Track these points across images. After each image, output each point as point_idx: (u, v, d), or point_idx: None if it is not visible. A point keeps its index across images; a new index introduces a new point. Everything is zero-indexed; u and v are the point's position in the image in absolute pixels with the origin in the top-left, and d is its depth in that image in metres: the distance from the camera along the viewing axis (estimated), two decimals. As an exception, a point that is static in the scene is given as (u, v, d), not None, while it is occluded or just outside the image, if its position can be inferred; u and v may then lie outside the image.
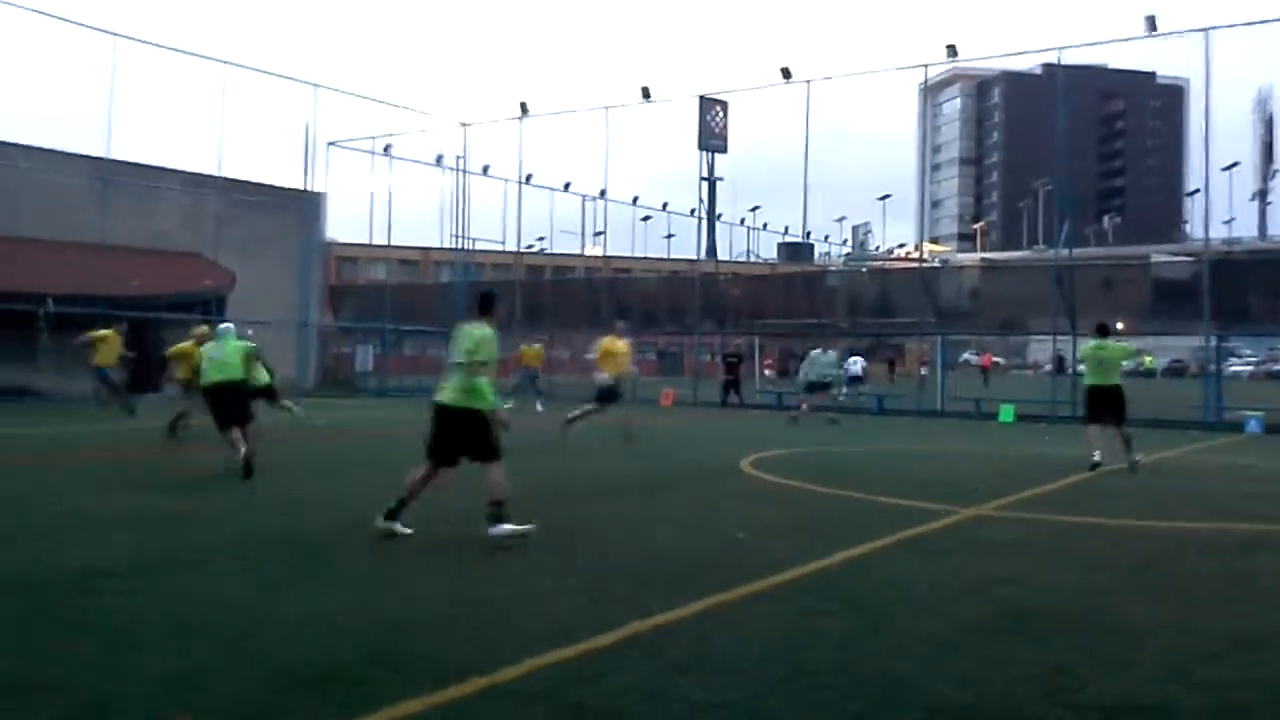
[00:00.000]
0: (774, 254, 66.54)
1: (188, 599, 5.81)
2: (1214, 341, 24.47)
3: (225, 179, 30.62)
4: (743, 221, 60.32)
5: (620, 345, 16.59)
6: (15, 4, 24.53)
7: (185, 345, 15.40)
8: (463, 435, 7.59)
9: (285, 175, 33.73)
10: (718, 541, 7.89)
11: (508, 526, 7.39)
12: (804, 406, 22.11)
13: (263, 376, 13.10)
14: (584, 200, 40.62)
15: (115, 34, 26.50)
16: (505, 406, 8.62)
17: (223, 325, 12.75)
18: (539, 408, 24.28)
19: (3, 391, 24.27)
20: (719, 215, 57.37)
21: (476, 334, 7.68)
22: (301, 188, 33.36)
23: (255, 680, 4.38)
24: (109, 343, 19.46)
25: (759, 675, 4.56)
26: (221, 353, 11.64)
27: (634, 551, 7.50)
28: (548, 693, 4.27)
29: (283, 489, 10.67)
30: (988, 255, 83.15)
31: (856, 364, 27.56)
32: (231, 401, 11.45)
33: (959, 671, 4.69)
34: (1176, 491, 11.49)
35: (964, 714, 4.21)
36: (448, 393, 7.64)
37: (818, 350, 22.88)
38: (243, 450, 11.05)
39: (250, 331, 13.82)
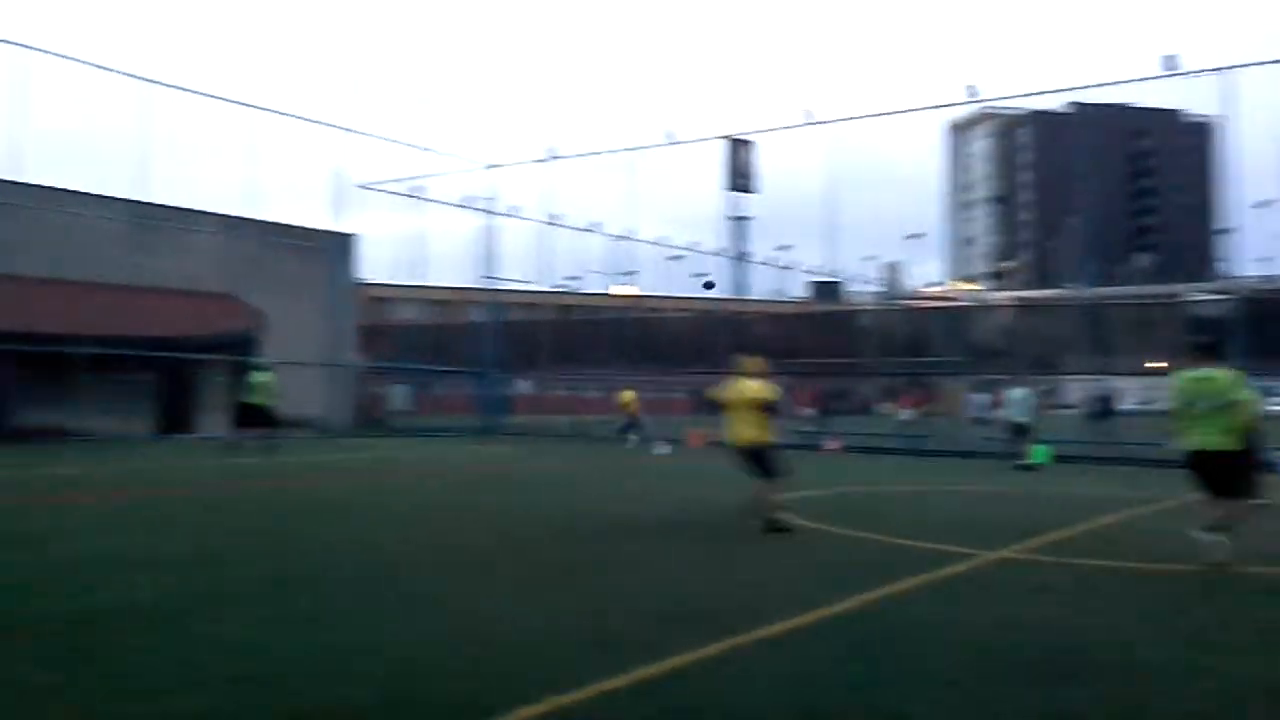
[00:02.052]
0: (804, 292, 66.41)
1: (202, 640, 5.84)
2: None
3: (258, 221, 31.06)
4: (770, 261, 60.27)
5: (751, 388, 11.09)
6: (56, 53, 25.16)
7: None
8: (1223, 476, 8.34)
9: (317, 217, 33.98)
10: (734, 584, 7.83)
11: None
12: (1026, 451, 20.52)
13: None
14: (611, 241, 40.76)
15: (150, 80, 27.13)
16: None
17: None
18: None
19: (42, 432, 24.60)
20: (748, 254, 57.37)
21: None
22: (333, 229, 33.79)
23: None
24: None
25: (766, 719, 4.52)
26: None
27: (648, 594, 7.46)
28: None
29: (299, 533, 10.73)
30: (1021, 294, 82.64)
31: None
32: None
33: (970, 716, 4.62)
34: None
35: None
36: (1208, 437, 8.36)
37: (1016, 389, 21.44)
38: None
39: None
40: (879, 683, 5.17)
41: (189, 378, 29.38)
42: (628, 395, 29.44)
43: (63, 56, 25.69)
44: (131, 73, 28.40)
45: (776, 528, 10.41)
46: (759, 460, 10.75)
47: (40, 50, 24.79)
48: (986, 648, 5.90)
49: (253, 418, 21.60)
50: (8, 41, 25.15)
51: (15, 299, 22.90)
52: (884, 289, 77.04)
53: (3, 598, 6.96)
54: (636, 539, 10.33)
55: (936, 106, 28.30)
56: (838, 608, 6.84)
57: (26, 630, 6.03)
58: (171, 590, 7.31)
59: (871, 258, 73.46)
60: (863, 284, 72.67)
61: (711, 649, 5.68)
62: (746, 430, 10.84)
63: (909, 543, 9.91)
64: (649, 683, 5.06)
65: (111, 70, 27.17)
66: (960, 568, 8.58)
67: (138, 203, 27.60)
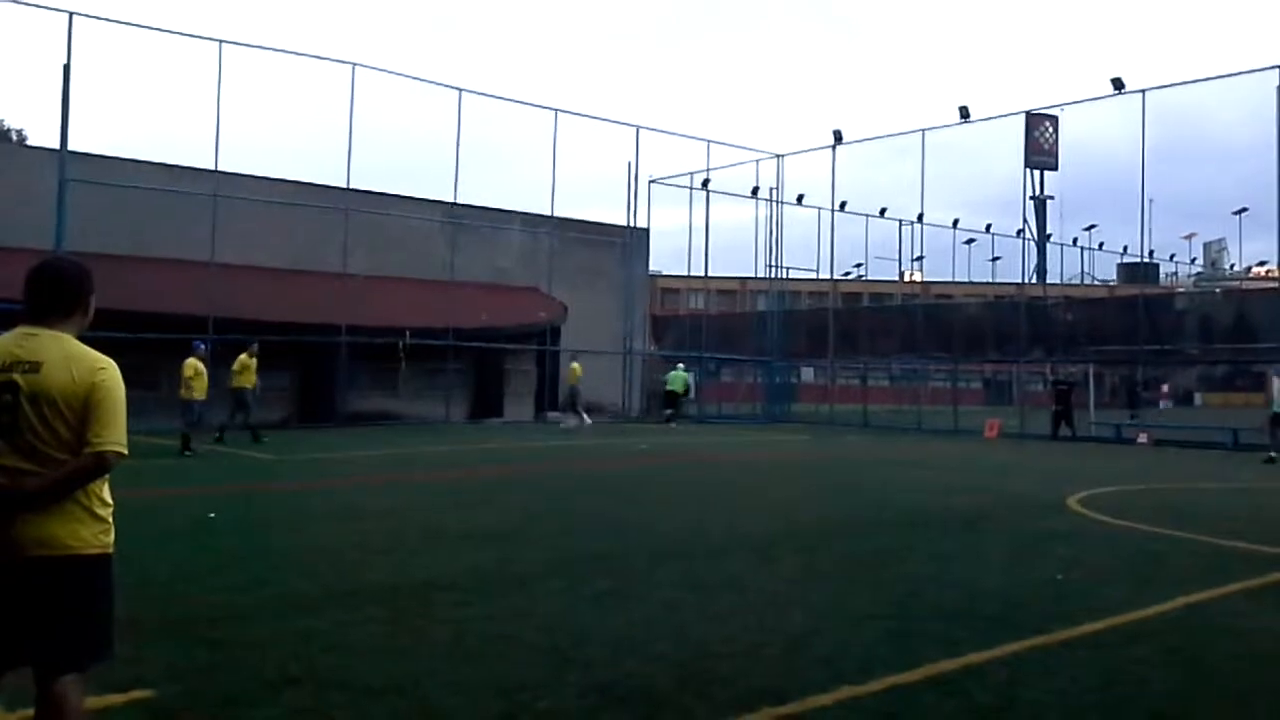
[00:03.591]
0: (1112, 275, 62.15)
1: (516, 614, 6.26)
2: None
3: (558, 218, 32.61)
4: (1075, 242, 56.68)
5: None
6: (378, 68, 27.45)
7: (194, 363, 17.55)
8: None
9: (611, 212, 35.30)
10: (1036, 582, 7.51)
11: None
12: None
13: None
14: (900, 225, 39.73)
15: (460, 89, 29.06)
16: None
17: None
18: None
19: (372, 416, 27.03)
20: (1049, 236, 54.33)
21: None
22: (626, 224, 34.98)
23: (573, 695, 4.66)
24: (249, 368, 19.98)
25: (1073, 726, 4.33)
26: None
27: (945, 587, 7.28)
28: (847, 727, 4.27)
29: (601, 512, 11.22)
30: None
31: None
32: None
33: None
34: None
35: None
36: None
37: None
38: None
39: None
40: (1194, 696, 4.83)
41: (498, 366, 31.32)
42: (576, 367, 28.53)
43: (386, 71, 27.89)
44: (445, 82, 30.45)
45: None
46: None
47: (364, 65, 27.04)
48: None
49: (670, 402, 29.85)
50: (340, 60, 27.65)
51: (345, 295, 25.20)
52: (1204, 270, 70.84)
53: (345, 566, 7.72)
54: (933, 532, 10.09)
55: (1267, 69, 25.50)
56: (1148, 611, 6.42)
57: (362, 597, 6.67)
58: (487, 564, 7.86)
59: (1191, 235, 67.78)
60: (1181, 265, 67.14)
61: (1011, 647, 5.49)
62: None
63: (1226, 543, 9.13)
64: (945, 678, 4.96)
65: (426, 80, 29.27)
66: (1290, 575, 7.83)
67: (452, 204, 29.67)
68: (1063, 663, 5.33)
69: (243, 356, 20.03)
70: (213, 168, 25.07)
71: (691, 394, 32.88)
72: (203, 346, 18.51)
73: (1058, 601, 6.76)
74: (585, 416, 27.64)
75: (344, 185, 27.27)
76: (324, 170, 33.93)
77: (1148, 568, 8.15)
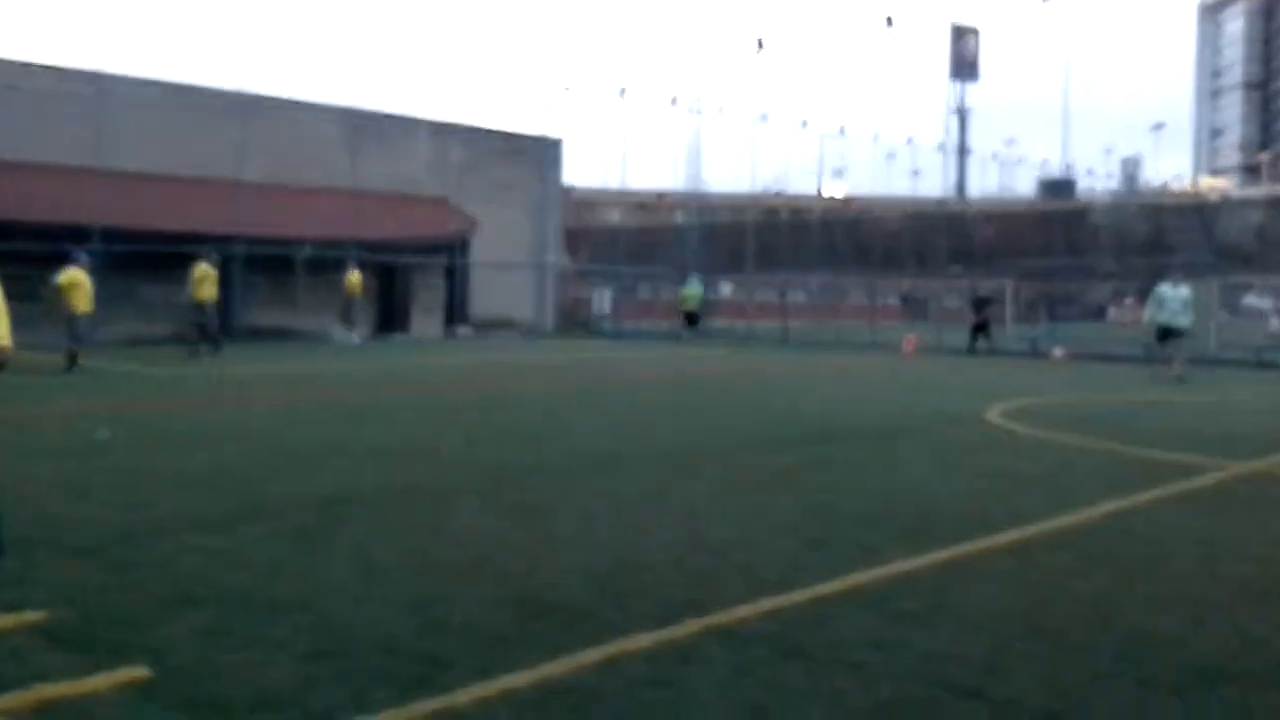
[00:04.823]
0: (1031, 190, 63.29)
1: (425, 529, 6.18)
2: None
3: (469, 127, 31.93)
4: (995, 156, 57.58)
5: None
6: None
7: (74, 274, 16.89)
8: None
9: (525, 122, 34.64)
10: (958, 492, 7.66)
11: None
12: (1176, 364, 18.12)
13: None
14: (822, 138, 39.80)
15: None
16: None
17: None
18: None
19: (265, 331, 26.38)
20: (969, 150, 54.99)
21: None
22: (540, 134, 34.42)
23: (489, 608, 4.62)
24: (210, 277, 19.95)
25: (997, 630, 4.41)
26: None
27: (865, 497, 7.38)
28: (771, 636, 4.29)
29: (520, 424, 11.14)
30: (1277, 189, 76.15)
31: None
32: None
33: (1221, 634, 4.39)
34: None
35: (1223, 677, 3.93)
36: None
37: (1166, 285, 18.96)
38: None
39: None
40: (1118, 601, 4.96)
41: (405, 280, 30.81)
42: (354, 277, 26.88)
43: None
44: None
45: None
46: None
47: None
48: (1242, 565, 5.56)
49: (690, 319, 30.52)
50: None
51: (239, 204, 24.43)
52: (1121, 186, 72.56)
53: (243, 484, 7.55)
54: (851, 444, 10.23)
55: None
56: (1069, 519, 6.59)
57: (269, 512, 6.52)
58: (391, 480, 7.76)
59: (1109, 150, 69.24)
60: (1098, 180, 68.63)
61: (934, 556, 5.58)
62: None
63: (1142, 453, 9.43)
64: (868, 587, 5.02)
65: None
66: (1205, 481, 8.11)
67: (355, 109, 28.83)
68: (987, 569, 5.44)
69: (203, 265, 19.68)
70: (98, 69, 24.01)
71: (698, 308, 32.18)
72: (84, 256, 17.79)
73: (978, 511, 6.89)
74: (353, 334, 26.62)
75: (239, 89, 26.31)
76: (219, 73, 32.66)
77: (1067, 477, 8.36)
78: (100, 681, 3.62)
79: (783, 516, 6.62)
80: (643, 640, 4.16)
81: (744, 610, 4.57)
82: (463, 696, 3.58)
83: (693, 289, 31.42)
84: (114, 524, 6.15)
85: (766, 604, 4.66)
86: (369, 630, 4.28)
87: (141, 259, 23.35)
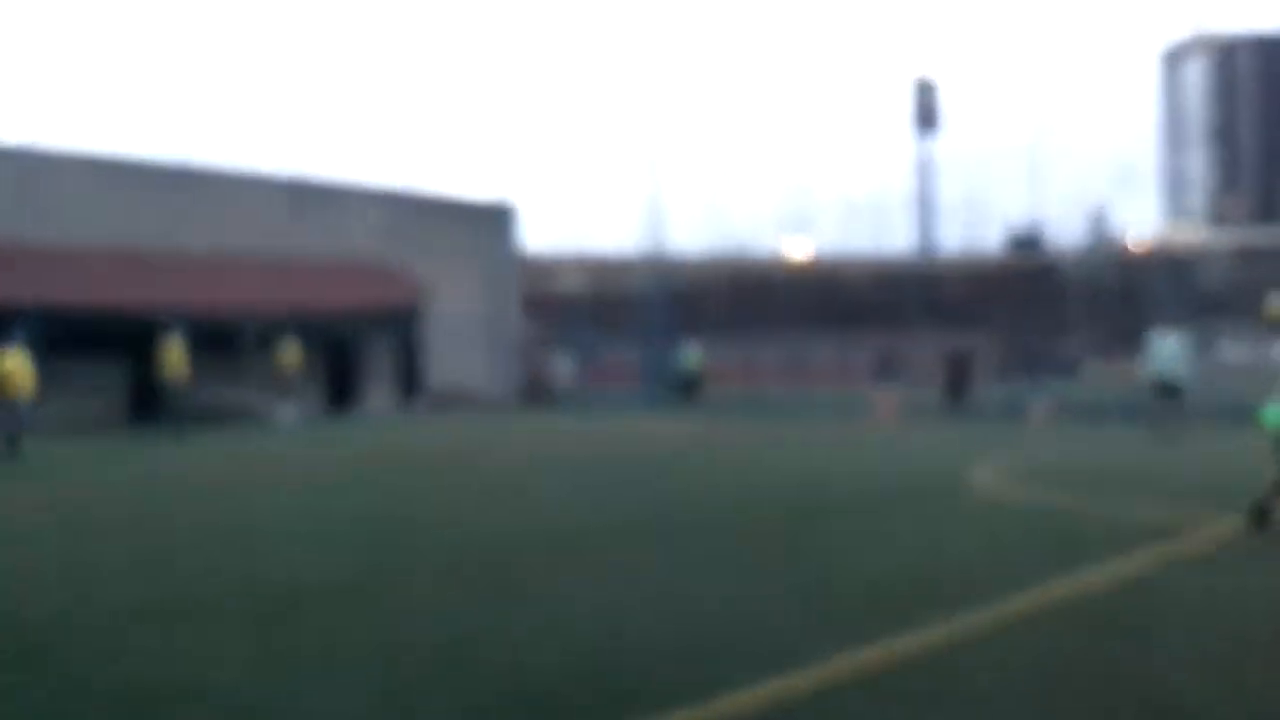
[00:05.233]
0: (999, 243, 64.24)
1: (395, 617, 5.96)
2: None
3: (420, 196, 31.93)
4: (963, 206, 58.49)
5: None
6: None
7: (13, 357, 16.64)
8: None
9: (479, 188, 34.70)
10: (955, 562, 7.54)
11: None
12: (1171, 424, 17.17)
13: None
14: (786, 193, 40.23)
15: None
16: None
17: None
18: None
19: (213, 411, 25.89)
20: (935, 205, 55.86)
21: None
22: (494, 201, 34.47)
23: (470, 701, 4.42)
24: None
25: (1021, 708, 4.28)
26: None
27: (861, 574, 7.24)
28: (778, 723, 4.13)
29: (482, 508, 10.93)
30: (1242, 236, 77.79)
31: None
32: None
33: (1251, 694, 4.29)
34: None
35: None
36: None
37: (1155, 334, 18.15)
38: None
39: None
40: (1138, 661, 4.85)
41: (355, 354, 30.50)
42: (290, 352, 25.69)
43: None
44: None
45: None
46: None
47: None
48: (1255, 622, 5.49)
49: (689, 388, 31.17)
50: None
51: (178, 278, 24.16)
52: (1090, 240, 73.69)
53: (195, 572, 7.29)
54: (840, 516, 10.11)
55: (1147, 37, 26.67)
56: (1075, 583, 6.49)
57: (220, 604, 6.28)
58: (352, 567, 7.52)
59: (1075, 202, 70.51)
60: (1064, 232, 69.76)
61: (940, 631, 5.45)
62: None
63: (1136, 513, 9.37)
64: (873, 666, 4.87)
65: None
66: (1204, 539, 8.05)
67: (299, 180, 28.76)
68: (996, 642, 5.32)
69: (170, 341, 20.32)
70: (18, 143, 23.88)
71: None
72: (18, 337, 17.43)
73: (977, 580, 6.78)
74: (290, 411, 26.19)
75: (179, 160, 26.22)
76: (156, 142, 32.57)
77: (1065, 540, 8.28)
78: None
79: (775, 593, 6.48)
80: (639, 732, 3.99)
81: (745, 697, 4.41)
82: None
83: (691, 356, 32.22)
84: (54, 615, 5.88)
85: (768, 690, 4.50)
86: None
87: (77, 337, 22.96)
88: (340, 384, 30.30)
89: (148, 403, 25.42)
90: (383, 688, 4.62)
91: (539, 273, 55.53)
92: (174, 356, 20.36)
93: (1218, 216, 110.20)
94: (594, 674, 4.80)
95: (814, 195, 41.06)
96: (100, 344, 23.26)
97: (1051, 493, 10.93)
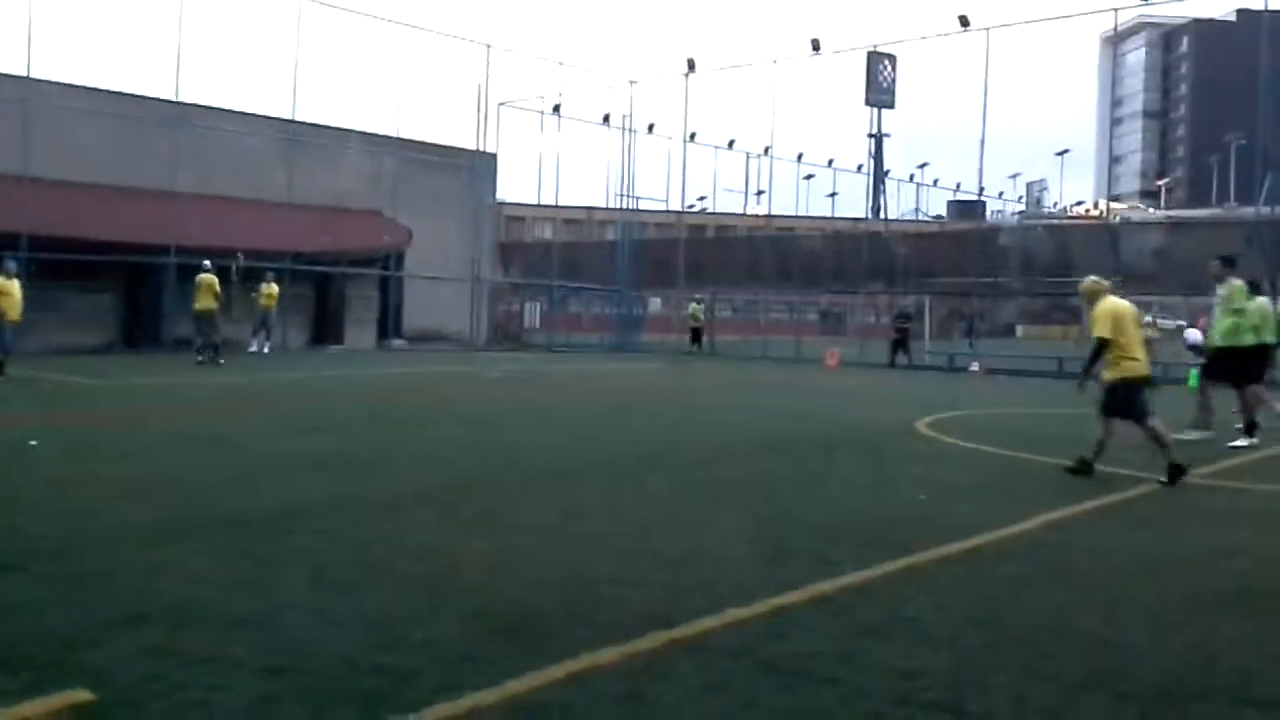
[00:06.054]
0: (943, 212, 64.45)
1: (381, 543, 5.89)
2: None
3: (403, 140, 31.41)
4: (911, 178, 58.50)
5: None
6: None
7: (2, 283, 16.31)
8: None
9: (459, 136, 34.12)
10: (899, 503, 7.57)
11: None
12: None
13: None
14: (748, 158, 40.03)
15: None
16: None
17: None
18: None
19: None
20: (886, 172, 55.83)
21: None
22: (474, 148, 33.98)
23: (452, 624, 4.37)
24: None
25: (961, 642, 4.29)
26: None
27: (815, 509, 7.26)
28: (738, 649, 4.12)
29: (462, 440, 10.85)
30: (1174, 213, 78.49)
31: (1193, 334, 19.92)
32: None
33: (1179, 648, 4.32)
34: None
35: (1198, 692, 3.85)
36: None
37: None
38: None
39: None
40: (1078, 608, 4.88)
41: (339, 291, 30.16)
42: (270, 289, 25.55)
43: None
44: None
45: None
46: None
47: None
48: (1189, 575, 5.55)
49: (695, 336, 31.91)
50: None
51: (170, 215, 23.68)
52: (1027, 208, 74.07)
53: (187, 495, 7.18)
54: (794, 456, 10.13)
55: (1101, 11, 26.67)
56: (1012, 529, 6.53)
57: (219, 526, 6.17)
58: (344, 492, 7.44)
59: (1016, 175, 70.73)
60: (1007, 203, 70.04)
61: (886, 567, 5.46)
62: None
63: (1071, 464, 9.45)
64: (827, 598, 4.88)
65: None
66: (1140, 491, 8.15)
67: (289, 121, 28.16)
68: (940, 580, 5.34)
69: (202, 275, 20.49)
70: (25, 73, 23.18)
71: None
72: (12, 264, 17.09)
73: (924, 521, 6.81)
74: (265, 343, 25.81)
75: (173, 98, 25.56)
76: (153, 82, 31.80)
77: (1003, 487, 8.35)
78: (38, 707, 3.29)
79: (735, 528, 6.47)
80: (610, 655, 3.96)
81: (709, 623, 4.39)
82: (429, 716, 3.35)
83: (698, 306, 32.73)
84: (51, 536, 5.76)
85: (729, 616, 4.49)
86: (330, 646, 4.01)
87: (69, 268, 22.53)
88: (323, 321, 29.99)
89: (136, 331, 25.14)
90: (370, 608, 4.57)
91: (513, 221, 55.09)
92: (201, 289, 20.41)
93: (1149, 195, 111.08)
94: (568, 599, 4.77)
95: (774, 159, 40.77)
96: (85, 275, 22.96)
97: (989, 443, 11.01)
